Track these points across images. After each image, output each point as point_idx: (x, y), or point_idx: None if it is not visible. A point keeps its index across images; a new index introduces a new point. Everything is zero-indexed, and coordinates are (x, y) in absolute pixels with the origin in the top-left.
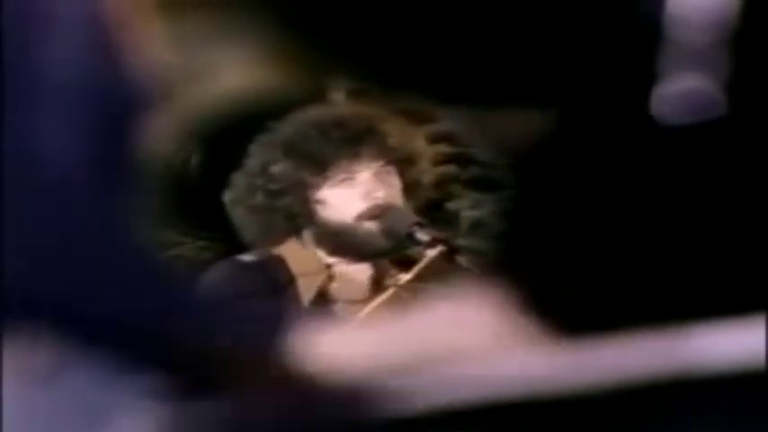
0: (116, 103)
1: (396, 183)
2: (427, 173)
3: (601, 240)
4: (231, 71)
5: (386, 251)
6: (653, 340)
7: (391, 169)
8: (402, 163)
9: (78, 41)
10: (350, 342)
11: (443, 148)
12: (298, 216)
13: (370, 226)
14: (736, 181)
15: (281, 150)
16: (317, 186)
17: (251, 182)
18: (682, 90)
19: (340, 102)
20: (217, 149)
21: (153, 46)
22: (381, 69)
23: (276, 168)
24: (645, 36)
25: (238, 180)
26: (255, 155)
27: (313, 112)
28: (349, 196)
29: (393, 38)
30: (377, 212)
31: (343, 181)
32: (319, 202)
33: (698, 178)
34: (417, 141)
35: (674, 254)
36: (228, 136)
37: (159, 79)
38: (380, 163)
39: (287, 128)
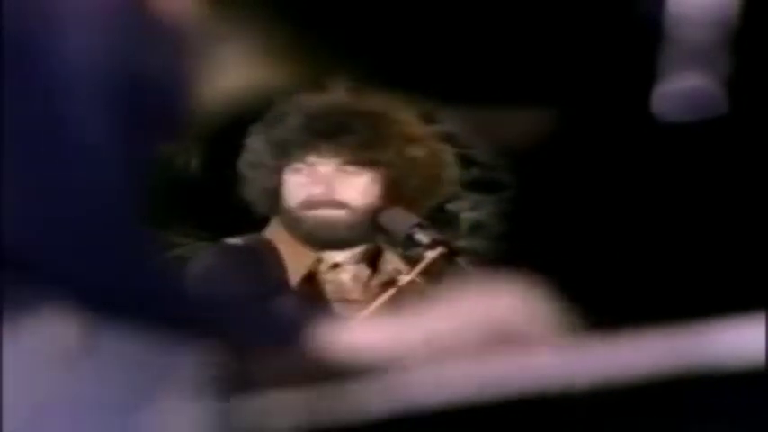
0: (140, 92)
1: (359, 184)
2: (424, 178)
3: (602, 240)
4: (231, 70)
5: (331, 243)
6: (654, 339)
7: (360, 171)
8: (388, 168)
9: (106, 34)
10: (369, 331)
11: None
12: (270, 192)
13: (314, 216)
14: (737, 179)
15: (263, 126)
16: (279, 169)
17: (247, 152)
18: (682, 88)
19: (346, 97)
20: (217, 150)
21: (188, 41)
22: (381, 69)
23: (253, 143)
24: (645, 35)
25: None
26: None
27: (312, 100)
28: (297, 185)
29: (393, 37)
30: (319, 204)
31: (298, 169)
32: (281, 184)
33: (699, 177)
34: (410, 146)
35: (674, 253)
36: (229, 136)
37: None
38: (342, 161)
39: (283, 107)
